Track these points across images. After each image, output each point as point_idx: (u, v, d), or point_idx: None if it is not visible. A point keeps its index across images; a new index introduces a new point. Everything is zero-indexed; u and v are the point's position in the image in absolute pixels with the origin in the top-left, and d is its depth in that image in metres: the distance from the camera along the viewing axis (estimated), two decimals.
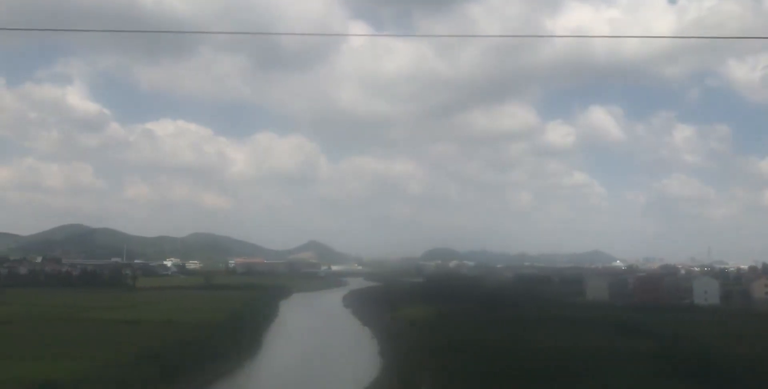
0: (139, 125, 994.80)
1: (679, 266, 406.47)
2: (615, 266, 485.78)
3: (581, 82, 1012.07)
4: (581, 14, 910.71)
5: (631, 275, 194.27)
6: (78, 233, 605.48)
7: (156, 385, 55.46)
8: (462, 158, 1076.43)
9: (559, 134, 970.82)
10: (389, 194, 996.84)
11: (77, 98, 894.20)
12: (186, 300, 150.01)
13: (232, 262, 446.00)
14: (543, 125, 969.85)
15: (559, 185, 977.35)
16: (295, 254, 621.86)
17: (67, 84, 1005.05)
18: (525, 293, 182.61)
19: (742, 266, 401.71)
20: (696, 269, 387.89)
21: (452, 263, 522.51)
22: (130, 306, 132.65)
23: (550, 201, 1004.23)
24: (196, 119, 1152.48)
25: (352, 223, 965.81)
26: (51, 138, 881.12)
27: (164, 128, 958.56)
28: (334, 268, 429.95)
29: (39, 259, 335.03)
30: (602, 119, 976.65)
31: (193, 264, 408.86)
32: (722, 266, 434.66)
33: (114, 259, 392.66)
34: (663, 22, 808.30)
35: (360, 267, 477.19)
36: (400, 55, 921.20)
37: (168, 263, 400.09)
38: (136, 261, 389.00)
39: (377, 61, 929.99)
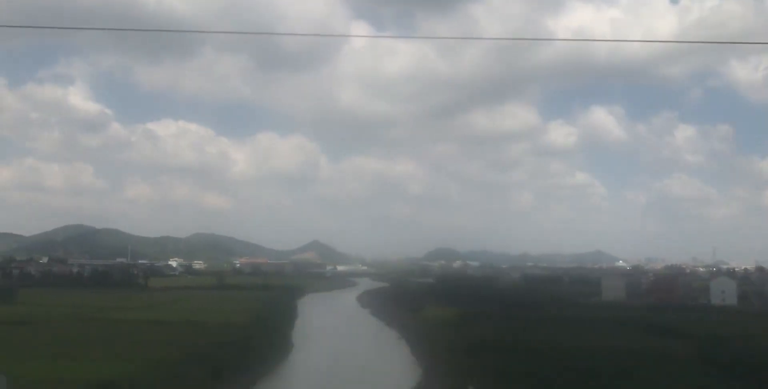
0: (141, 125, 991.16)
1: (685, 267, 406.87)
2: (619, 266, 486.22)
3: (582, 82, 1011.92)
4: (583, 14, 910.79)
5: (645, 276, 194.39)
6: (80, 234, 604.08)
7: (207, 385, 55.45)
8: (463, 159, 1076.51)
9: (560, 134, 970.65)
10: (390, 194, 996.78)
11: (79, 98, 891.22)
12: (202, 300, 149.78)
13: (236, 262, 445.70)
14: (544, 125, 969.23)
15: (561, 185, 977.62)
16: (298, 254, 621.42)
17: (68, 84, 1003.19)
18: (540, 293, 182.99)
19: (745, 267, 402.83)
20: (701, 269, 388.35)
21: (456, 264, 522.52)
22: (149, 306, 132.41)
23: (551, 201, 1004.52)
24: (197, 119, 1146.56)
25: (352, 223, 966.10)
26: (52, 138, 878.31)
27: (165, 128, 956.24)
28: (340, 268, 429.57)
29: (45, 259, 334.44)
30: (604, 119, 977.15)
31: (198, 264, 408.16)
32: (725, 267, 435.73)
33: (119, 259, 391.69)
34: (665, 22, 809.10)
35: (365, 268, 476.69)
36: (401, 56, 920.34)
37: (173, 263, 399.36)
38: (140, 261, 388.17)
39: (378, 61, 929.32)
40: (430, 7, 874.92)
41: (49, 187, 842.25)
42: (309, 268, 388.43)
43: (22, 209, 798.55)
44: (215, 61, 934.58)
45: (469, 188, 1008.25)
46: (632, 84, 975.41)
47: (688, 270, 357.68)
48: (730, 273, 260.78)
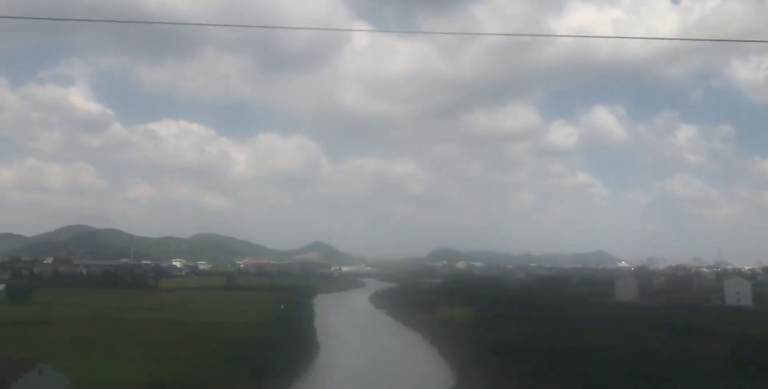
0: (142, 126, 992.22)
1: (689, 267, 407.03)
2: (623, 267, 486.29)
3: (584, 83, 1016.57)
4: (584, 14, 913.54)
5: (656, 277, 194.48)
6: (81, 234, 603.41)
7: (249, 386, 55.27)
8: (464, 159, 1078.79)
9: (561, 134, 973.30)
10: (391, 194, 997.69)
11: (80, 99, 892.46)
12: (215, 301, 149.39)
13: (239, 263, 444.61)
14: (545, 126, 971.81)
15: (562, 185, 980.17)
16: (301, 254, 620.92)
17: (69, 85, 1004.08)
18: (552, 293, 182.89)
19: (749, 267, 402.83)
20: (705, 269, 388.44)
21: (459, 264, 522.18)
22: (163, 307, 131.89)
23: (553, 201, 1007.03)
24: (198, 120, 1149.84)
25: (353, 223, 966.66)
26: (53, 139, 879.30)
27: (167, 128, 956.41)
28: (344, 269, 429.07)
29: (50, 260, 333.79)
30: (605, 119, 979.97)
31: (202, 265, 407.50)
32: (728, 267, 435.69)
33: (123, 260, 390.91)
34: (666, 22, 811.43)
35: (369, 268, 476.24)
36: (402, 56, 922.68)
37: (177, 264, 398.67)
38: (144, 262, 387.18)
39: (379, 61, 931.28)
40: (431, 7, 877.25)
41: (51, 187, 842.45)
42: (314, 269, 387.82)
43: (23, 209, 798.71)
44: (216, 61, 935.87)
45: (469, 188, 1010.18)
46: (634, 84, 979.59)
47: (692, 271, 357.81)
48: (739, 274, 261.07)
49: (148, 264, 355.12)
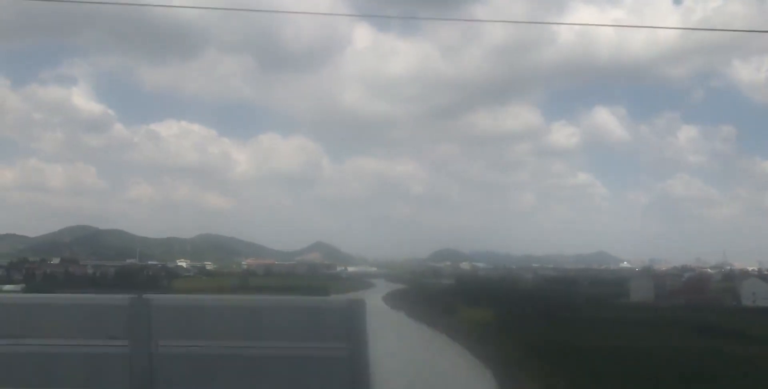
0: (144, 126, 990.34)
1: (695, 268, 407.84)
2: (625, 267, 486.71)
3: (585, 83, 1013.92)
4: (586, 14, 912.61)
5: (670, 277, 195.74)
6: (85, 235, 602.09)
7: None
8: (464, 159, 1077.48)
9: (562, 134, 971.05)
10: (391, 194, 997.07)
11: (82, 99, 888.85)
12: None
13: (243, 263, 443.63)
14: (546, 126, 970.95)
15: (562, 185, 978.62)
16: (304, 255, 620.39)
17: (72, 85, 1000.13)
18: (564, 294, 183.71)
19: (750, 268, 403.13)
20: (709, 270, 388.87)
21: (463, 265, 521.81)
22: None
23: (553, 202, 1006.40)
24: (200, 120, 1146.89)
25: (354, 224, 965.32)
26: (56, 139, 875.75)
27: (168, 128, 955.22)
28: (350, 269, 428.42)
29: (58, 260, 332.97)
30: (606, 119, 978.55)
31: (209, 265, 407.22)
32: (729, 268, 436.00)
33: (129, 260, 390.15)
34: (668, 23, 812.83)
35: (374, 269, 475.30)
36: (403, 56, 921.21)
37: (183, 264, 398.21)
38: (150, 262, 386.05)
39: (380, 61, 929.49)
40: (433, 8, 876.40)
41: (52, 187, 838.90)
42: (320, 269, 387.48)
43: (25, 209, 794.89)
44: (218, 62, 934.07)
45: (470, 188, 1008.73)
46: (635, 85, 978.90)
47: (698, 271, 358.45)
48: (748, 274, 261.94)
49: (155, 265, 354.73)
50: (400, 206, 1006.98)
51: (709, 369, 62.48)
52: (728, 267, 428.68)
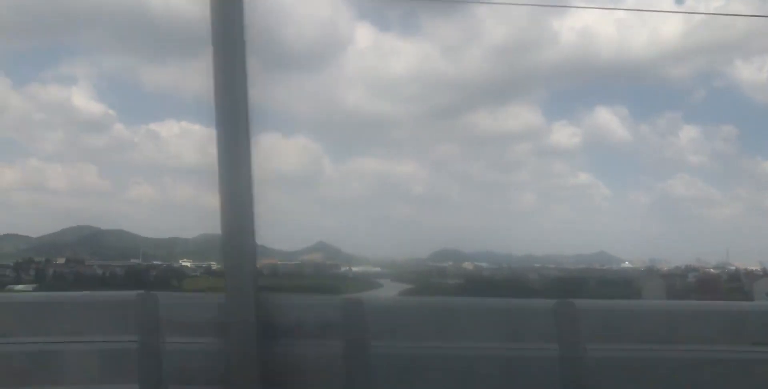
0: (144, 126, 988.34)
1: (697, 268, 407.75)
2: (627, 267, 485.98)
3: (586, 83, 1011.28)
4: (588, 15, 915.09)
5: (680, 277, 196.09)
6: (87, 235, 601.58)
7: None
8: (465, 159, 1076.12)
9: (563, 134, 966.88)
10: (391, 194, 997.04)
11: (82, 99, 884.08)
12: None
13: None
14: (547, 126, 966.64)
15: (563, 185, 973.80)
16: (306, 255, 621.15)
17: (72, 85, 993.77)
18: (574, 295, 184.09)
19: (752, 268, 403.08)
20: (712, 270, 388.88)
21: (465, 265, 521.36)
22: None
23: (554, 202, 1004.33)
24: (200, 120, 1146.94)
25: (354, 224, 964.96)
26: (56, 139, 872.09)
27: (169, 128, 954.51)
28: (355, 269, 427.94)
29: (63, 260, 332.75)
30: (607, 119, 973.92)
31: (214, 265, 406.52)
32: (730, 267, 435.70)
33: (133, 260, 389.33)
34: (670, 23, 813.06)
35: (378, 269, 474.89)
36: (404, 56, 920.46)
37: (187, 264, 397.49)
38: (155, 262, 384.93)
39: (382, 61, 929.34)
40: (435, 9, 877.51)
41: (53, 187, 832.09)
42: (326, 269, 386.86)
43: (26, 210, 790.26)
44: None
45: (470, 188, 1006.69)
46: (636, 85, 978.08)
47: (701, 271, 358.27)
48: (753, 274, 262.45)
49: (160, 265, 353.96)
50: (400, 206, 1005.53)
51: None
52: (732, 267, 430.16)
